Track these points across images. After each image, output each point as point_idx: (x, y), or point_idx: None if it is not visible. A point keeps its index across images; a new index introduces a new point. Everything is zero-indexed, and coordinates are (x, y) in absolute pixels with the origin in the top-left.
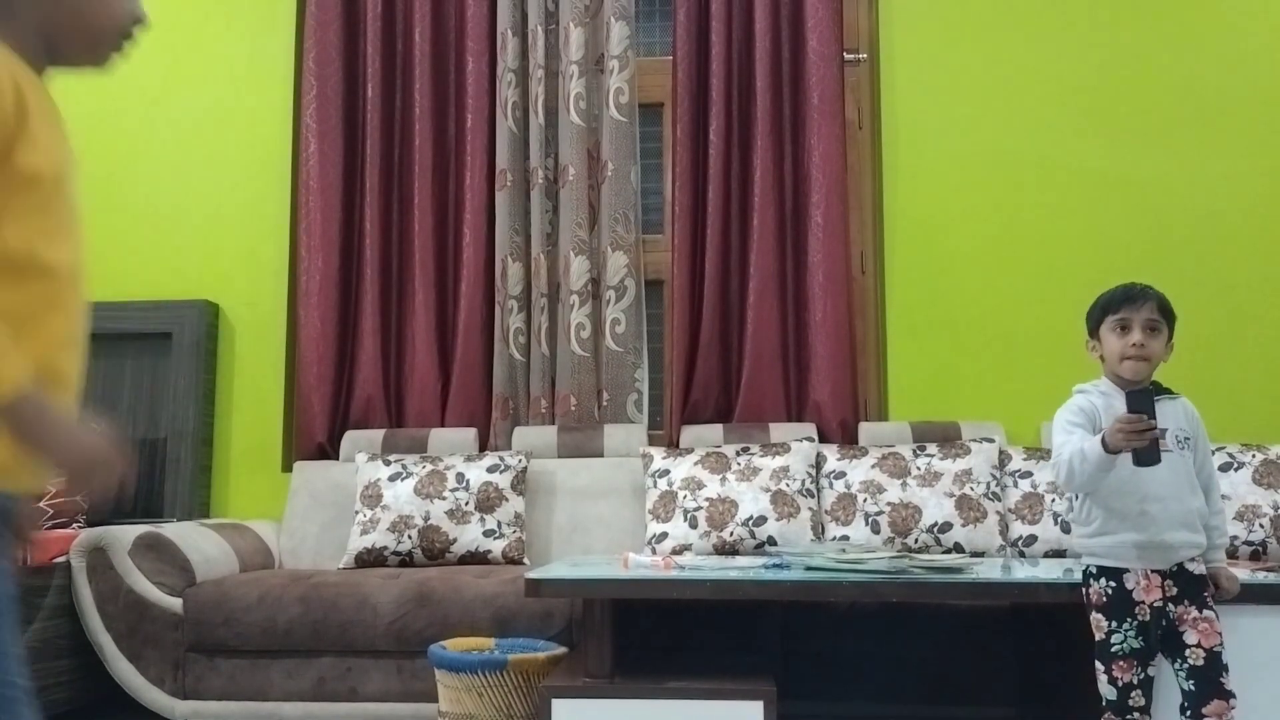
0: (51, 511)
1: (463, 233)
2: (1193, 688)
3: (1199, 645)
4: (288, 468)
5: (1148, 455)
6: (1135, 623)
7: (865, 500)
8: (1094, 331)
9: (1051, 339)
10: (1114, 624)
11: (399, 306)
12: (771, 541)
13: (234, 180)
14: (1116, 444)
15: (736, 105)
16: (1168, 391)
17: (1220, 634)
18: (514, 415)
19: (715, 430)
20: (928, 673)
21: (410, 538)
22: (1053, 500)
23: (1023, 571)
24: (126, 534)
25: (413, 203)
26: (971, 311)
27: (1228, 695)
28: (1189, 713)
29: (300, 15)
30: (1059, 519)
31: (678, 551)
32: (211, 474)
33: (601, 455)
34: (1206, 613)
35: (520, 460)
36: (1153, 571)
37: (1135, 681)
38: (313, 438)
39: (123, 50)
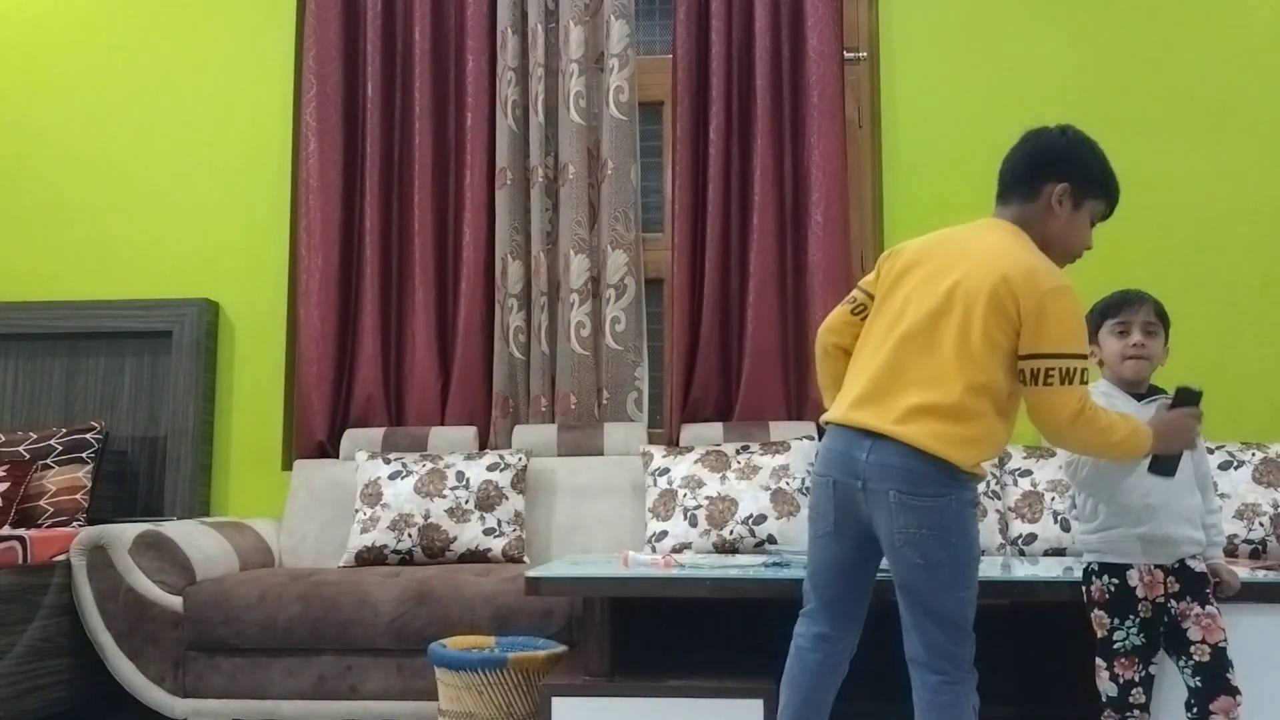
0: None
1: (463, 231)
2: (1199, 684)
3: (1204, 641)
4: (288, 466)
5: (1167, 466)
6: (1137, 620)
7: None
8: (1093, 337)
9: None
10: (1116, 621)
11: (399, 305)
12: (771, 540)
13: (234, 179)
14: (1181, 442)
15: (736, 104)
16: (1163, 392)
17: (1224, 630)
18: (514, 414)
19: (715, 429)
20: None
21: (410, 536)
22: (1052, 499)
23: (1022, 570)
24: (126, 532)
25: (413, 201)
26: None
27: (1234, 691)
28: (1195, 709)
29: (300, 14)
30: (1058, 517)
31: (678, 550)
32: (211, 472)
33: (601, 454)
34: (1209, 609)
35: (520, 459)
36: (1155, 567)
37: (1136, 679)
38: (313, 436)
39: (1069, 263)
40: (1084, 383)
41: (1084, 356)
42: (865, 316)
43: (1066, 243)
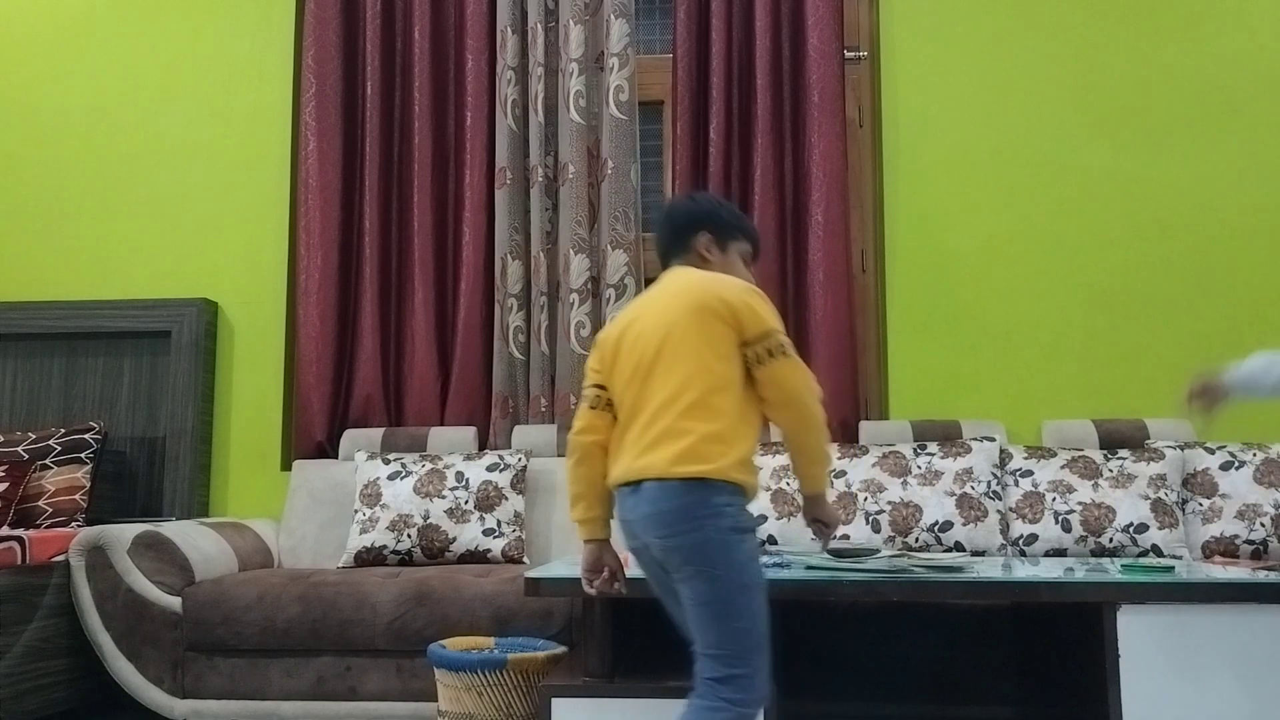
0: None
1: (462, 231)
2: None
3: None
4: (287, 466)
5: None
6: None
7: (866, 499)
8: None
9: (1052, 337)
10: None
11: (398, 305)
12: (772, 540)
13: (233, 178)
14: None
15: (737, 103)
16: None
17: None
18: (514, 414)
19: None
20: (928, 673)
21: (409, 537)
22: (1054, 499)
23: (1023, 571)
24: (125, 533)
25: (412, 201)
26: (972, 310)
27: None
28: None
29: (299, 13)
30: (1059, 517)
31: None
32: (210, 473)
33: None
34: None
35: (520, 459)
36: None
37: None
38: (312, 436)
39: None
40: (792, 354)
41: (781, 332)
42: (603, 407)
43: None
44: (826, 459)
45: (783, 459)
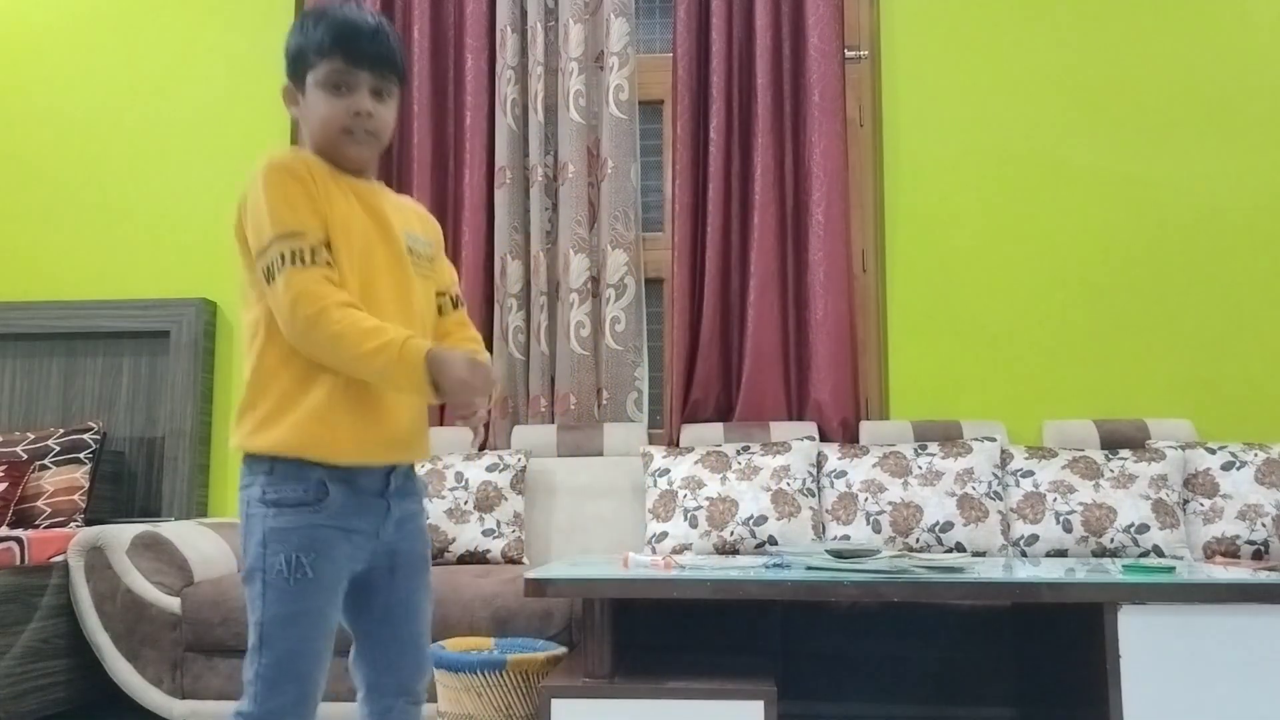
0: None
1: (462, 230)
2: None
3: None
4: None
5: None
6: None
7: (866, 500)
8: None
9: (1052, 337)
10: None
11: None
12: (772, 541)
13: (232, 178)
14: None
15: (737, 102)
16: None
17: None
18: (513, 414)
19: (715, 429)
20: (928, 673)
21: None
22: (1054, 500)
23: (1024, 571)
24: (124, 533)
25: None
26: (973, 310)
27: None
28: None
29: (299, 12)
30: (1060, 518)
31: (678, 551)
32: (209, 473)
33: (601, 454)
34: None
35: (519, 459)
36: None
37: None
38: None
39: (356, 138)
40: (300, 264)
41: (287, 236)
42: None
43: (318, 127)
44: (387, 374)
45: (783, 459)
